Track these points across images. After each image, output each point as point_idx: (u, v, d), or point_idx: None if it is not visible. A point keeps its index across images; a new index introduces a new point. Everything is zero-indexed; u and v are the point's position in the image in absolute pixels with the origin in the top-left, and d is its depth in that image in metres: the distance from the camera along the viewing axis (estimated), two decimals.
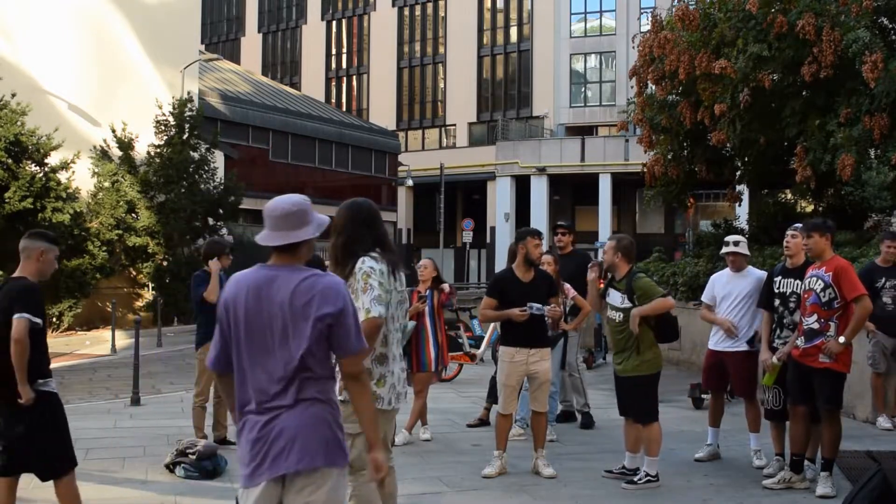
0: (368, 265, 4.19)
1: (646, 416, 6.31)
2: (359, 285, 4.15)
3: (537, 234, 6.56)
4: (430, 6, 48.21)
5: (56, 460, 4.76)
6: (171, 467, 6.47)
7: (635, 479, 6.26)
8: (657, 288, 6.47)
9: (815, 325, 5.91)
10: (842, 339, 5.81)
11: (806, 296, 6.03)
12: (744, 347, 6.83)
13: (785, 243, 6.57)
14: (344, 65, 51.46)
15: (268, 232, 3.29)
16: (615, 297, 6.41)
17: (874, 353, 8.30)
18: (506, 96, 45.67)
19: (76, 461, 4.90)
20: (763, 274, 6.90)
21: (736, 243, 7.00)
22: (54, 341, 17.69)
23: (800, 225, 6.54)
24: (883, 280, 8.22)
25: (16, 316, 4.52)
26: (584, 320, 8.26)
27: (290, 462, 3.15)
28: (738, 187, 15.37)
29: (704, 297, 7.24)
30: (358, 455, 4.03)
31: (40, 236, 4.86)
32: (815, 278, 5.99)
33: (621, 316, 6.35)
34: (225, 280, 7.48)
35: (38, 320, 4.63)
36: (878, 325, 7.96)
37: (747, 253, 7.09)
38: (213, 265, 7.37)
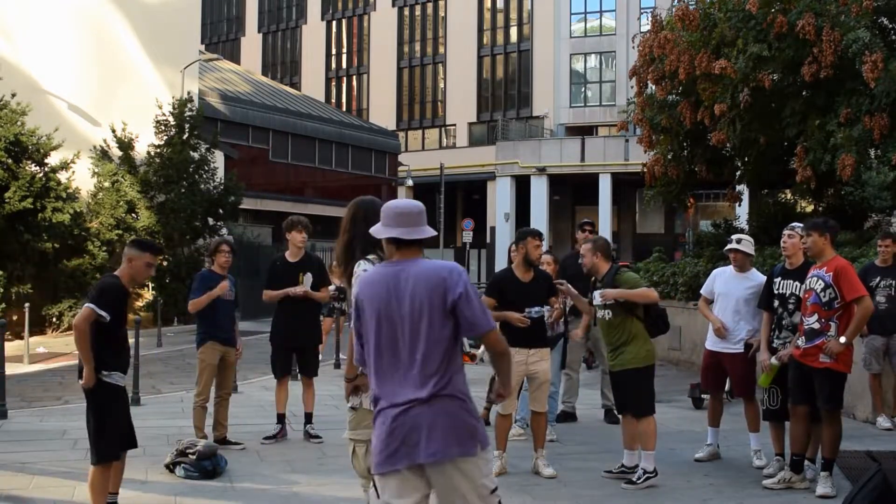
0: (363, 269, 4.10)
1: (640, 410, 6.33)
2: (354, 290, 4.09)
3: (537, 235, 6.58)
4: (430, 6, 48.22)
5: (92, 446, 5.04)
6: (171, 467, 6.46)
7: (634, 478, 6.27)
8: (641, 281, 6.60)
9: (816, 325, 5.90)
10: (843, 340, 5.80)
11: (806, 296, 6.02)
12: (741, 348, 6.82)
13: (781, 244, 6.53)
14: (344, 65, 51.47)
15: (403, 228, 3.48)
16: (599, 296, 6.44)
17: (866, 354, 8.31)
18: (506, 96, 45.68)
19: (109, 458, 5.06)
20: (765, 279, 6.87)
21: (739, 241, 6.97)
22: (55, 341, 17.74)
23: (797, 224, 6.49)
24: (878, 279, 8.22)
25: (84, 304, 4.94)
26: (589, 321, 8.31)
27: (428, 451, 3.32)
28: (738, 187, 15.37)
29: (703, 291, 7.22)
30: (363, 464, 4.14)
31: (134, 244, 5.24)
32: (815, 278, 5.98)
33: (609, 314, 6.37)
34: (234, 284, 7.45)
35: (104, 314, 4.90)
36: (871, 325, 7.95)
37: (751, 252, 7.01)
38: (218, 290, 7.28)
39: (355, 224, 4.24)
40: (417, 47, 48.86)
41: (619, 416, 8.38)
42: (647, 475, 6.24)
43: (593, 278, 6.61)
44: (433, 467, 3.33)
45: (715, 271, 7.31)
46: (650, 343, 6.43)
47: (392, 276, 3.45)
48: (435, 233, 3.58)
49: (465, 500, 3.35)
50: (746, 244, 6.96)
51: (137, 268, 5.13)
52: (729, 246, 7.02)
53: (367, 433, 4.02)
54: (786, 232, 6.48)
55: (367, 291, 3.49)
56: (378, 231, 3.51)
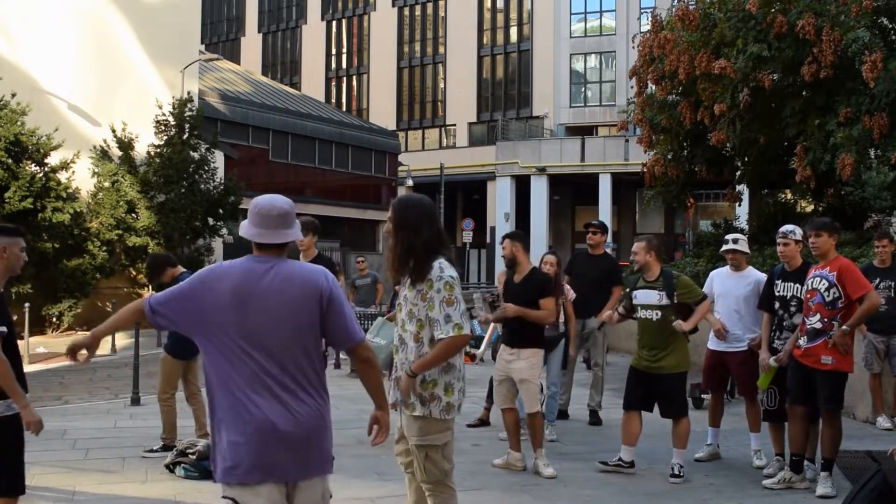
0: (449, 274, 3.95)
1: (681, 411, 6.56)
2: (440, 295, 3.91)
3: (506, 237, 6.89)
4: (430, 6, 48.21)
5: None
6: (171, 467, 6.47)
7: (676, 472, 6.43)
8: (698, 288, 6.74)
9: (818, 325, 5.90)
10: (844, 328, 5.81)
11: (809, 296, 6.01)
12: (745, 347, 6.82)
13: (779, 251, 6.49)
14: (344, 65, 51.47)
15: (261, 230, 3.30)
16: (651, 296, 6.52)
17: (867, 354, 8.32)
18: (506, 96, 45.67)
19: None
20: (762, 276, 6.85)
21: (735, 241, 6.99)
22: (55, 341, 17.73)
23: (789, 228, 6.47)
24: (877, 281, 8.20)
25: None
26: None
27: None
28: (738, 187, 15.38)
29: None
30: (439, 467, 4.10)
31: (2, 231, 4.52)
32: (818, 278, 5.97)
33: (659, 314, 6.45)
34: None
35: (4, 328, 4.25)
36: (871, 326, 7.99)
37: (747, 251, 7.06)
38: None
39: (432, 223, 4.04)
40: (417, 47, 48.85)
41: (597, 418, 8.59)
42: (682, 468, 6.46)
43: (638, 277, 6.72)
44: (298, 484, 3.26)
45: (712, 273, 7.33)
46: (688, 347, 6.63)
47: (259, 271, 3.27)
48: (296, 236, 3.38)
49: None
50: (743, 243, 7.01)
51: (15, 255, 4.45)
52: (726, 247, 7.03)
53: (443, 437, 4.06)
54: (780, 240, 6.42)
55: (229, 281, 3.25)
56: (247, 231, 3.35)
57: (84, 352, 3.48)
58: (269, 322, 3.19)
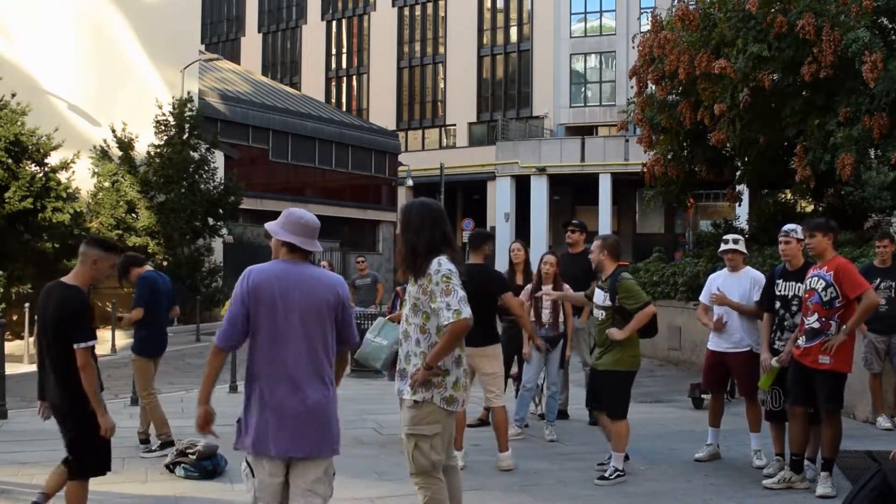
0: (447, 267, 4.15)
1: (615, 412, 6.41)
2: (438, 287, 4.09)
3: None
4: (430, 6, 48.21)
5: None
6: (171, 467, 6.47)
7: (607, 475, 6.34)
8: (640, 293, 6.46)
9: (816, 325, 5.90)
10: (844, 328, 5.81)
11: (807, 296, 6.02)
12: (745, 348, 6.81)
13: (780, 250, 6.49)
14: (344, 65, 51.47)
15: (302, 238, 3.83)
16: (598, 296, 6.53)
17: (867, 353, 8.31)
18: (506, 96, 45.67)
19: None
20: (759, 274, 6.88)
21: (735, 241, 6.99)
22: None
23: (790, 226, 6.47)
24: (878, 281, 8.19)
25: (77, 346, 4.42)
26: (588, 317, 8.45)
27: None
28: (738, 187, 15.37)
29: (703, 298, 7.22)
30: (427, 458, 4.18)
31: (98, 245, 4.76)
32: (816, 278, 5.98)
33: (603, 314, 6.44)
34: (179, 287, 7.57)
35: (94, 341, 4.55)
36: (871, 326, 7.97)
37: (745, 251, 7.09)
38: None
39: (434, 224, 4.25)
40: (417, 47, 48.85)
41: (589, 411, 8.60)
42: (618, 473, 6.34)
43: (598, 276, 6.71)
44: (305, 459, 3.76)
45: (711, 277, 7.32)
46: (638, 350, 6.50)
47: (299, 271, 3.82)
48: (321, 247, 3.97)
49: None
50: (742, 244, 7.01)
51: (102, 270, 4.68)
52: (725, 247, 7.00)
53: (432, 428, 4.17)
54: (781, 238, 6.43)
55: (270, 280, 3.75)
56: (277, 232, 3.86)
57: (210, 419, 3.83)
58: (301, 318, 3.70)
